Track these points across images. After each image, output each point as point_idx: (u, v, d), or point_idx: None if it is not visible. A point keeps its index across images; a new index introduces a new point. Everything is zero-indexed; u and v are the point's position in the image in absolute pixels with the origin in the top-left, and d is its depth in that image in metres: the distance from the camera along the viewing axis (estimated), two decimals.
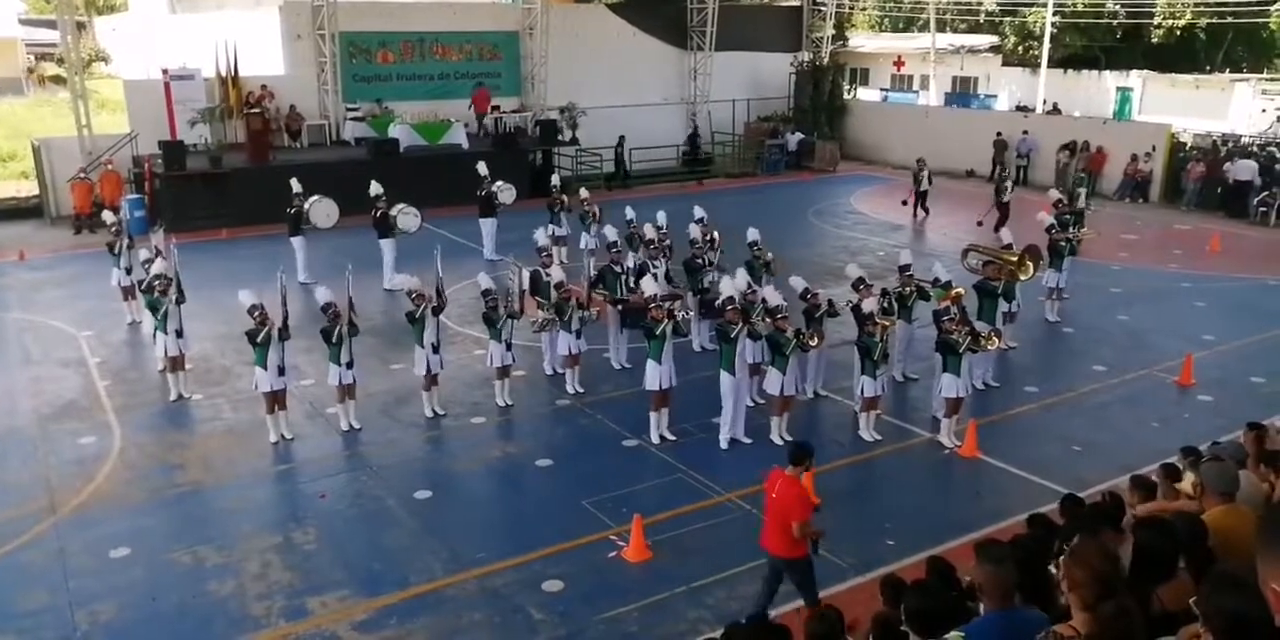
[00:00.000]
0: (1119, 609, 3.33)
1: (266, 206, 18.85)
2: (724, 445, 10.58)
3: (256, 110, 22.52)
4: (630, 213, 15.71)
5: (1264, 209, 22.72)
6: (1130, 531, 4.82)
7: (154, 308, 11.76)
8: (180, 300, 11.80)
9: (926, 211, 23.04)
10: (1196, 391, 12.26)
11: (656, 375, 10.47)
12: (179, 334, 11.73)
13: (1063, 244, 14.75)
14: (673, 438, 10.74)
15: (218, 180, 20.95)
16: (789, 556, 6.99)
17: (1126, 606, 3.39)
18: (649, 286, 11.23)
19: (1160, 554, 4.36)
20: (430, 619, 7.54)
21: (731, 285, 11.09)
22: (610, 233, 14.20)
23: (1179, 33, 36.17)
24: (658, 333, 10.39)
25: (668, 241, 14.26)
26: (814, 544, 6.90)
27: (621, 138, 26.48)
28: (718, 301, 11.01)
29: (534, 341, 12.91)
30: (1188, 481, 5.74)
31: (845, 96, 33.41)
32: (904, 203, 23.46)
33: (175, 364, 11.82)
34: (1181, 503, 5.78)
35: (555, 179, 19.04)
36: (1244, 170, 23.40)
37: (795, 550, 6.94)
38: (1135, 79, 34.32)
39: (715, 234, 14.18)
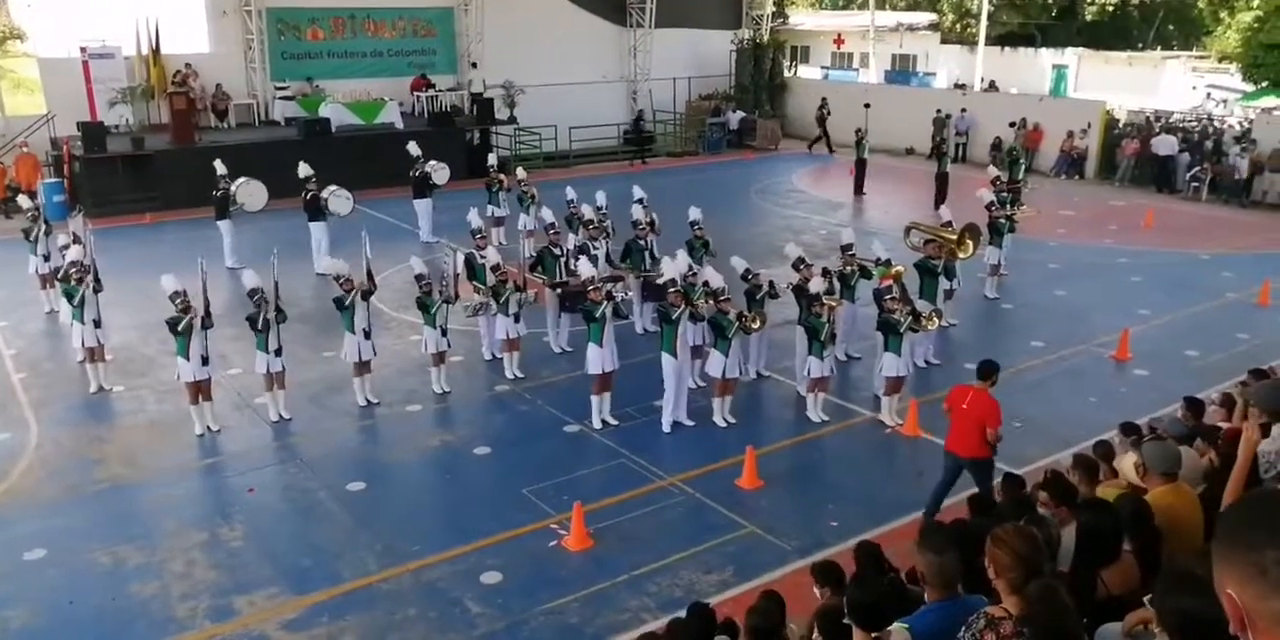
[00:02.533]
0: (1045, 588, 3.35)
1: (193, 189, 18.29)
2: (666, 429, 10.42)
3: (181, 89, 21.75)
4: (570, 193, 15.43)
5: (1196, 184, 23.09)
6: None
7: (70, 296, 11.25)
8: (98, 289, 11.31)
9: (862, 192, 23.08)
10: (1133, 366, 12.37)
11: (598, 358, 10.25)
12: (97, 324, 11.24)
13: (1002, 221, 14.81)
14: (614, 422, 10.55)
15: (141, 163, 20.22)
16: (977, 457, 8.08)
17: (1052, 585, 3.41)
18: (585, 269, 11.00)
19: (1104, 535, 4.28)
20: (364, 616, 7.29)
21: (673, 267, 10.91)
22: (548, 214, 13.89)
23: (1112, 10, 36.66)
24: (597, 315, 10.18)
25: (607, 222, 14.01)
26: (994, 447, 8.10)
27: (640, 112, 28.03)
28: (659, 281, 10.83)
29: (471, 326, 12.61)
30: (1127, 460, 5.68)
31: (786, 74, 33.30)
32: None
33: (94, 355, 11.34)
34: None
35: (492, 158, 18.64)
36: (1164, 145, 23.77)
37: (982, 452, 8.06)
38: (1070, 56, 34.73)
39: (654, 216, 13.94)
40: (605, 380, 10.43)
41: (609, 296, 10.34)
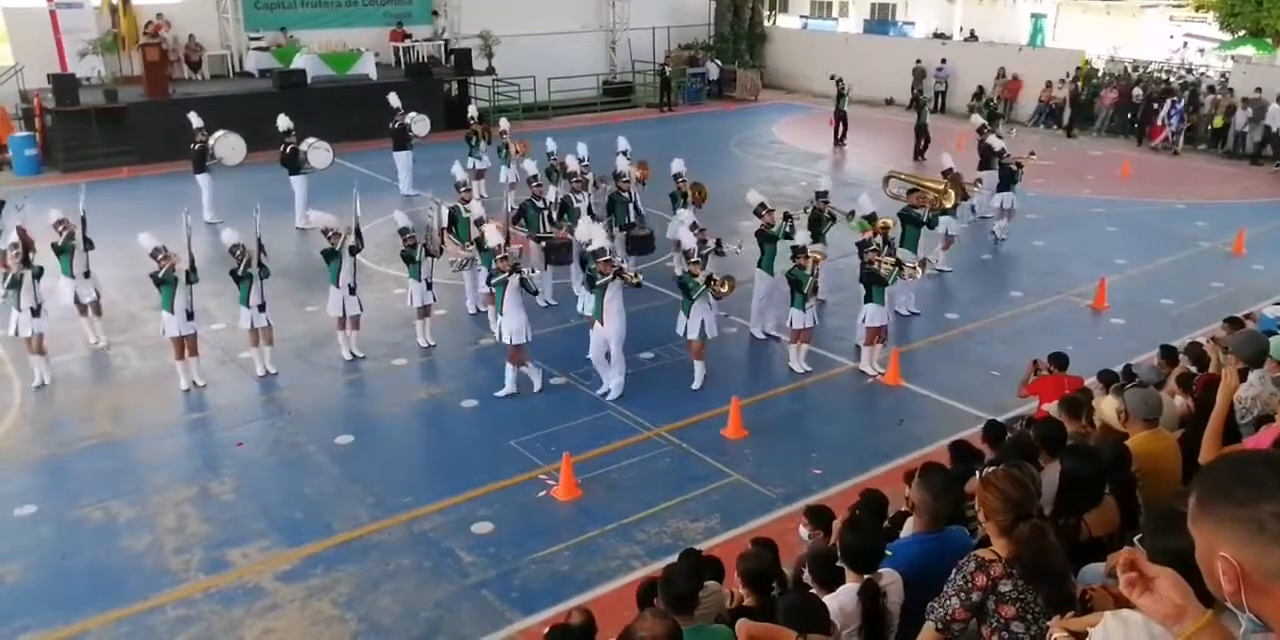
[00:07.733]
0: (1034, 529, 3.43)
1: (168, 143, 17.96)
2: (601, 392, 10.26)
3: (153, 41, 21.30)
4: (551, 144, 15.31)
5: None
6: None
7: (60, 253, 11.12)
8: (88, 246, 11.22)
9: (842, 143, 23.04)
10: (1109, 315, 12.53)
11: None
12: (87, 275, 11.17)
13: (1013, 167, 15.06)
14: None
15: (115, 116, 19.86)
16: None
17: (1040, 527, 3.49)
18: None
19: (1087, 480, 4.41)
20: (357, 566, 7.39)
21: (590, 231, 10.48)
22: (530, 166, 13.78)
23: None
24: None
25: (589, 174, 13.94)
26: None
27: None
28: (589, 249, 10.18)
29: (455, 280, 12.58)
30: (1108, 405, 5.80)
31: (766, 24, 32.96)
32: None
33: (86, 310, 11.27)
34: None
35: (472, 110, 18.44)
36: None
37: None
38: (1049, 5, 34.52)
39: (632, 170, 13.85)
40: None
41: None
